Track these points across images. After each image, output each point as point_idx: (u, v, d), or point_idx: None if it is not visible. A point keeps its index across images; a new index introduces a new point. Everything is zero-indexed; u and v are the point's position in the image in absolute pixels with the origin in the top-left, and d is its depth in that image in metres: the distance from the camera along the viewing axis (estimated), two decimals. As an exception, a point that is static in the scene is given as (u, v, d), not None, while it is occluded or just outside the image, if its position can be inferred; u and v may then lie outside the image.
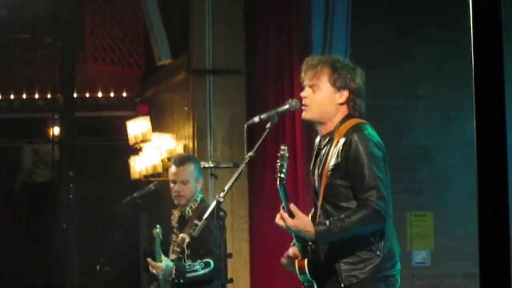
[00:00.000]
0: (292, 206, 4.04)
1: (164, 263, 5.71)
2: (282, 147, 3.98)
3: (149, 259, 5.76)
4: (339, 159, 4.11)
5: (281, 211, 4.06)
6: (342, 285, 4.10)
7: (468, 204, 6.58)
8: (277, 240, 6.57)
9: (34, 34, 10.11)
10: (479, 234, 2.26)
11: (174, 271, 5.65)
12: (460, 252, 7.24)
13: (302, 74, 4.29)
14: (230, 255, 6.66)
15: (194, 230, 5.71)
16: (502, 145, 2.23)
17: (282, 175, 3.94)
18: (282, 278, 6.81)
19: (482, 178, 2.25)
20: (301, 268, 4.21)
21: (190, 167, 6.00)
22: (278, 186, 3.96)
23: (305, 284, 4.28)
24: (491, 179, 2.24)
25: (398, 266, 4.23)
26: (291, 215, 4.03)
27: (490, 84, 2.24)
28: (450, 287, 7.49)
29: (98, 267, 7.62)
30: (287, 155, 3.97)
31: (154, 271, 5.73)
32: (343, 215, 4.04)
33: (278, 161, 3.96)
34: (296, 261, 4.24)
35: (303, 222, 4.04)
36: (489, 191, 2.25)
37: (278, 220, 4.10)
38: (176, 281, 5.70)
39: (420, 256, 7.43)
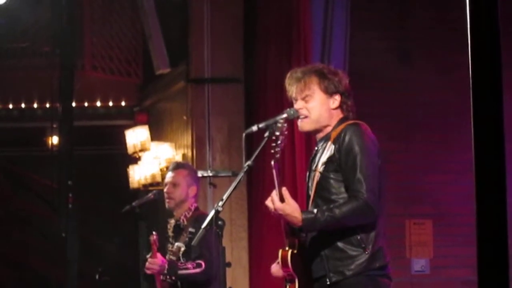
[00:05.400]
0: (284, 190, 4.06)
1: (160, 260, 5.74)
2: (279, 120, 4.11)
3: (148, 258, 5.77)
4: (333, 152, 4.11)
5: (273, 193, 4.06)
6: (328, 282, 4.05)
7: (467, 212, 6.58)
8: (277, 248, 6.54)
9: (33, 43, 10.12)
10: (478, 241, 2.26)
11: (166, 266, 5.67)
12: (459, 260, 7.23)
13: (288, 89, 4.27)
14: (229, 264, 6.66)
15: (189, 238, 5.71)
16: (500, 152, 2.23)
17: (278, 155, 4.05)
18: (282, 287, 6.78)
19: (480, 186, 2.25)
20: (284, 258, 4.18)
21: (183, 172, 6.02)
22: (272, 163, 4.01)
23: (286, 278, 4.24)
24: (489, 186, 2.24)
25: (389, 269, 4.13)
26: (282, 199, 4.03)
27: (489, 91, 2.24)
28: (449, 295, 7.48)
29: (97, 276, 7.61)
30: (284, 132, 4.07)
31: (150, 270, 5.74)
32: (332, 205, 4.02)
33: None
34: (280, 251, 4.21)
35: (291, 207, 4.03)
36: (488, 198, 2.24)
37: (268, 201, 4.09)
38: (168, 276, 5.71)
39: (419, 264, 7.42)
